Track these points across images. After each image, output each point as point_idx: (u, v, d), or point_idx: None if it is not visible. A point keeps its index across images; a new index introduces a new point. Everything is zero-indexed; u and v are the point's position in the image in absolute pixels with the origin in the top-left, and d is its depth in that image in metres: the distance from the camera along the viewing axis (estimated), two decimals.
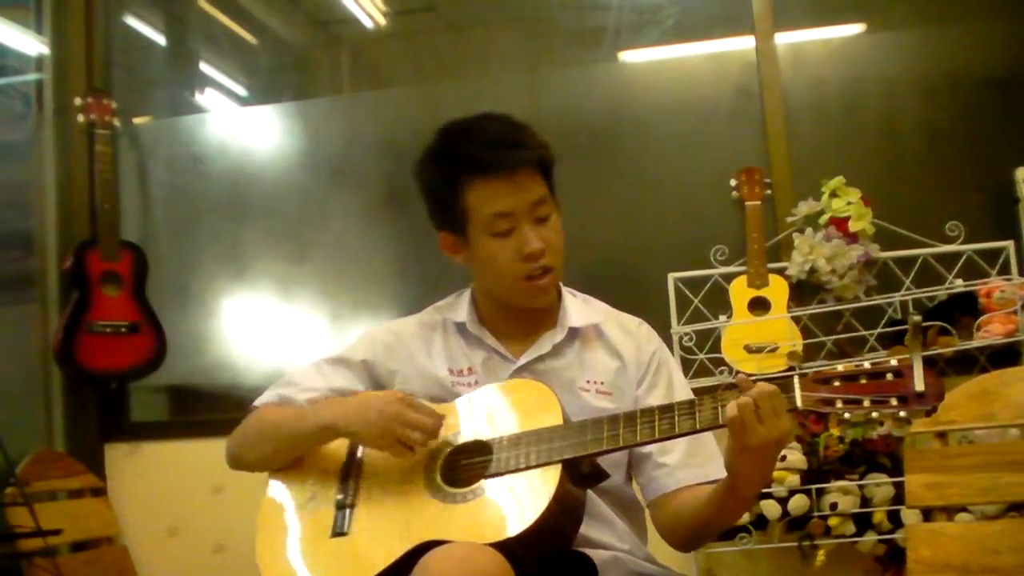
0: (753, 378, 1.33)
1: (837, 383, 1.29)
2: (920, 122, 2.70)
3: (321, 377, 1.67)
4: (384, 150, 3.00)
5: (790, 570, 2.42)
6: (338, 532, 1.48)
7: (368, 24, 3.21)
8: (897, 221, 2.49)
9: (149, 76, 3.32)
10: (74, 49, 3.06)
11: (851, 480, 2.29)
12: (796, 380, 1.31)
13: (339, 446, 1.58)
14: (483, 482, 1.42)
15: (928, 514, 1.73)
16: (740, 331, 2.45)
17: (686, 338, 2.48)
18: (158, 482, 2.87)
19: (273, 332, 3.01)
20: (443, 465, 1.48)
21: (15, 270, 3.08)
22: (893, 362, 1.27)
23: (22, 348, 2.99)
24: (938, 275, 2.45)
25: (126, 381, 2.97)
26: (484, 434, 1.48)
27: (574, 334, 1.63)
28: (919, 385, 1.24)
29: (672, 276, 2.53)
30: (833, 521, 2.28)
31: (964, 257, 2.43)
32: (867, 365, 1.29)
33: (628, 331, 1.66)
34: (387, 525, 1.44)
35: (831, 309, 2.47)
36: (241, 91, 3.33)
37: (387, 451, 1.48)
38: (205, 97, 3.30)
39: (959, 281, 2.42)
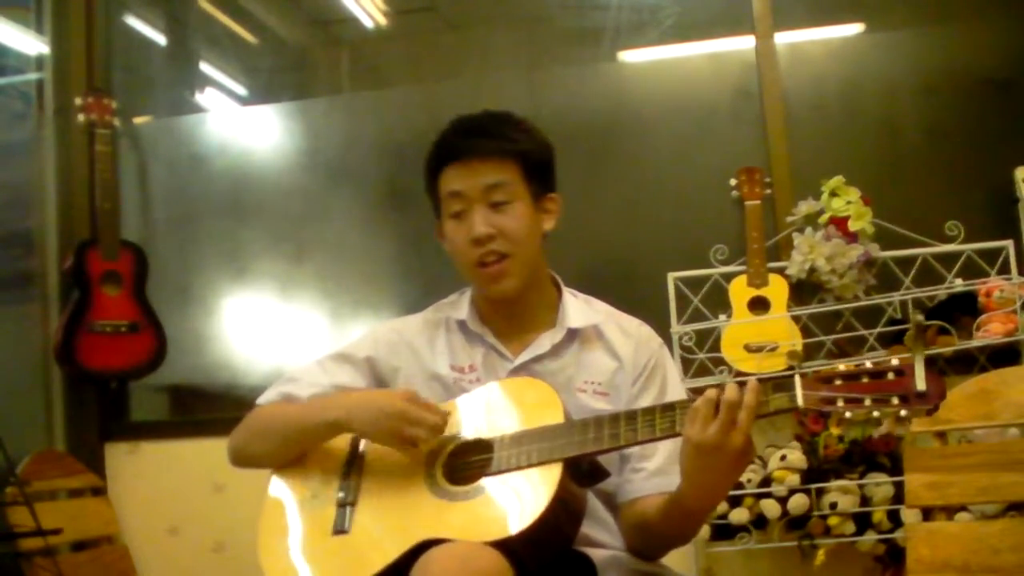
0: (755, 378, 1.33)
1: (838, 382, 1.29)
2: (920, 122, 2.71)
3: (324, 374, 1.67)
4: (384, 150, 3.00)
5: (790, 569, 2.42)
6: (339, 530, 1.48)
7: (368, 24, 3.21)
8: (897, 221, 2.49)
9: (149, 76, 3.32)
10: (74, 49, 3.07)
11: (851, 480, 2.29)
12: (797, 379, 1.31)
13: (341, 444, 1.58)
14: (484, 480, 1.42)
15: (928, 514, 1.73)
16: (740, 330, 2.45)
17: (686, 337, 2.48)
18: (158, 482, 2.87)
19: (273, 332, 3.02)
20: (444, 463, 1.48)
21: (15, 270, 3.08)
22: (894, 361, 1.27)
23: (22, 348, 2.99)
24: (938, 275, 2.45)
25: (126, 381, 2.98)
26: (485, 432, 1.48)
27: (573, 334, 1.63)
28: (921, 384, 1.24)
29: (672, 275, 2.53)
30: (833, 520, 2.29)
31: (964, 257, 2.43)
32: (868, 364, 1.29)
33: (628, 332, 1.66)
34: (388, 523, 1.44)
35: (831, 309, 2.47)
36: (241, 91, 3.33)
37: (392, 447, 1.49)
38: (205, 97, 3.30)
39: (959, 281, 2.41)
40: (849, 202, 2.47)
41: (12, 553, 2.28)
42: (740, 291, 2.50)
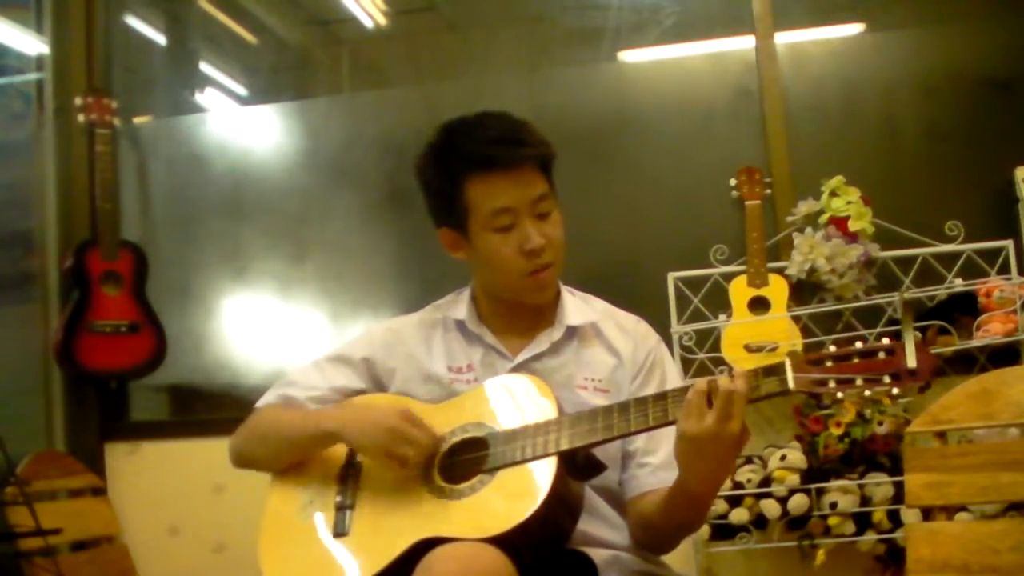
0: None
1: (829, 364, 1.29)
2: (920, 122, 2.70)
3: (321, 376, 1.68)
4: (384, 150, 3.00)
5: (790, 569, 2.42)
6: (339, 533, 1.49)
7: (368, 24, 3.21)
8: (897, 220, 2.49)
9: (149, 76, 3.32)
10: (74, 49, 3.07)
11: (851, 479, 2.29)
12: (788, 362, 1.31)
13: (339, 448, 1.58)
14: (481, 477, 1.43)
15: (928, 513, 1.73)
16: (740, 330, 2.45)
17: (686, 337, 2.48)
18: (158, 482, 2.87)
19: (273, 332, 3.02)
20: (441, 462, 1.49)
21: (15, 270, 3.08)
22: (885, 340, 1.27)
23: (22, 348, 2.99)
24: (938, 275, 2.45)
25: (126, 381, 2.98)
26: (481, 430, 1.49)
27: (572, 332, 1.63)
28: (911, 362, 1.24)
29: (672, 275, 2.53)
30: (833, 520, 2.28)
31: (964, 257, 2.43)
32: (859, 345, 1.29)
33: (626, 329, 1.66)
34: (387, 524, 1.45)
35: (831, 308, 2.47)
36: (241, 91, 3.33)
37: (381, 462, 1.49)
38: (205, 97, 3.30)
39: (959, 281, 2.41)
40: (849, 202, 2.47)
41: (12, 553, 2.27)
42: (740, 291, 2.50)
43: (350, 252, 2.99)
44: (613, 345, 1.63)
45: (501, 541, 1.30)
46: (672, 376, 1.65)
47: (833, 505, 2.27)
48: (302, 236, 3.02)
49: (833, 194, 2.49)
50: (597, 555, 1.48)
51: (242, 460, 1.67)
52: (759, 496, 2.31)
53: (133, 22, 3.26)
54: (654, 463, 1.54)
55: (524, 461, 1.41)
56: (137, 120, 3.19)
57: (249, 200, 3.07)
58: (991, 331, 2.31)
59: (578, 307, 1.66)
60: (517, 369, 1.59)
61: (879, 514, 2.27)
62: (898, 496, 2.24)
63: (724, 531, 2.35)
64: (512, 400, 1.51)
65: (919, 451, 1.77)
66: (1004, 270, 2.39)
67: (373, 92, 3.23)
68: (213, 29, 3.31)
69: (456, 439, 1.50)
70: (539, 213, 1.55)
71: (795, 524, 2.33)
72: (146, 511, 2.85)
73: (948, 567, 1.66)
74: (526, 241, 1.53)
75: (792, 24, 2.75)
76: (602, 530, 1.54)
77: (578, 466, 1.43)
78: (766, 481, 2.32)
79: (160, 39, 3.35)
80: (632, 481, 1.56)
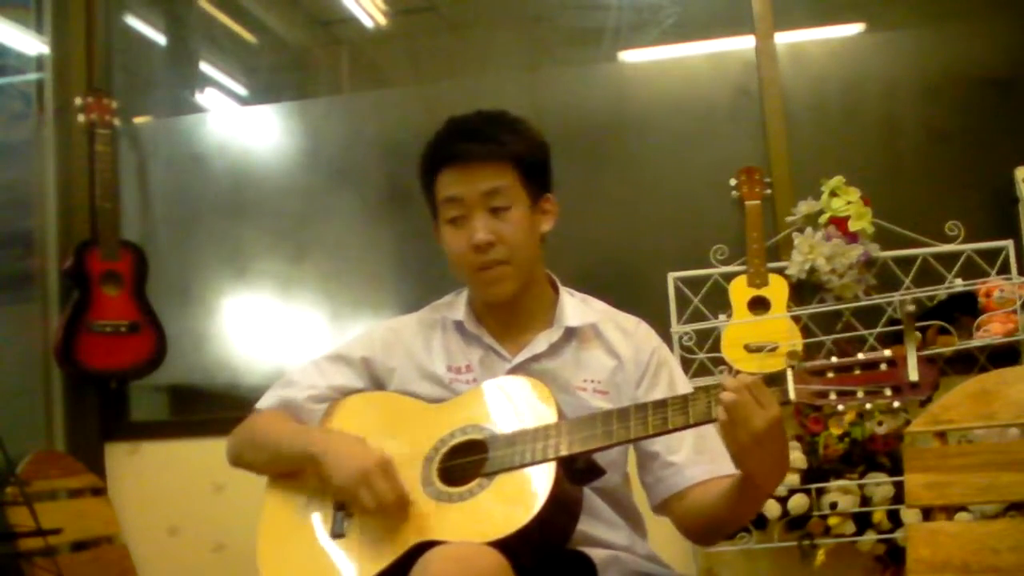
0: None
1: (831, 375, 1.29)
2: (920, 122, 2.70)
3: (321, 375, 1.68)
4: (384, 150, 3.00)
5: (790, 569, 2.42)
6: (337, 534, 1.49)
7: (368, 24, 3.21)
8: (897, 221, 2.49)
9: (149, 76, 3.32)
10: (74, 49, 3.07)
11: (851, 479, 2.29)
12: (789, 373, 1.31)
13: None
14: (480, 480, 1.42)
15: (928, 513, 1.73)
16: (740, 330, 2.45)
17: (686, 337, 2.48)
18: (158, 482, 2.87)
19: (273, 332, 3.01)
20: (440, 464, 1.48)
21: (15, 270, 3.08)
22: (887, 352, 1.27)
23: (22, 348, 2.99)
24: (938, 275, 2.45)
25: (126, 381, 2.97)
26: (480, 432, 1.49)
27: (571, 333, 1.63)
28: (913, 375, 1.24)
29: (672, 275, 2.53)
30: (833, 520, 2.29)
31: (964, 257, 2.43)
32: (860, 356, 1.29)
33: (626, 331, 1.66)
34: (385, 526, 1.44)
35: (831, 308, 2.47)
36: (241, 91, 3.33)
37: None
38: (205, 97, 3.30)
39: (959, 281, 2.42)
40: (849, 202, 2.47)
41: (12, 553, 2.27)
42: (740, 291, 2.50)
43: (350, 252, 2.99)
44: (613, 346, 1.63)
45: (500, 546, 1.30)
46: (679, 376, 1.65)
47: (833, 505, 2.27)
48: (302, 236, 3.02)
49: (833, 194, 2.49)
50: (597, 555, 1.48)
51: (238, 463, 1.68)
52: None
53: (133, 22, 3.26)
54: (680, 461, 1.54)
55: (523, 466, 1.40)
56: (137, 120, 3.19)
57: (249, 200, 3.07)
58: (991, 331, 2.31)
59: (577, 308, 1.65)
60: (515, 370, 1.59)
61: (879, 514, 2.27)
62: (898, 496, 2.24)
63: None
64: (511, 402, 1.50)
65: (919, 451, 1.77)
66: (1004, 270, 2.39)
67: (373, 92, 3.23)
68: (213, 29, 3.31)
69: (455, 441, 1.50)
70: (492, 207, 1.55)
71: (795, 524, 2.33)
72: (146, 511, 2.85)
73: (948, 567, 1.66)
74: (471, 235, 1.54)
75: (792, 24, 2.75)
76: (601, 530, 1.54)
77: (577, 471, 1.43)
78: None
79: (160, 39, 3.35)
80: (662, 484, 1.56)
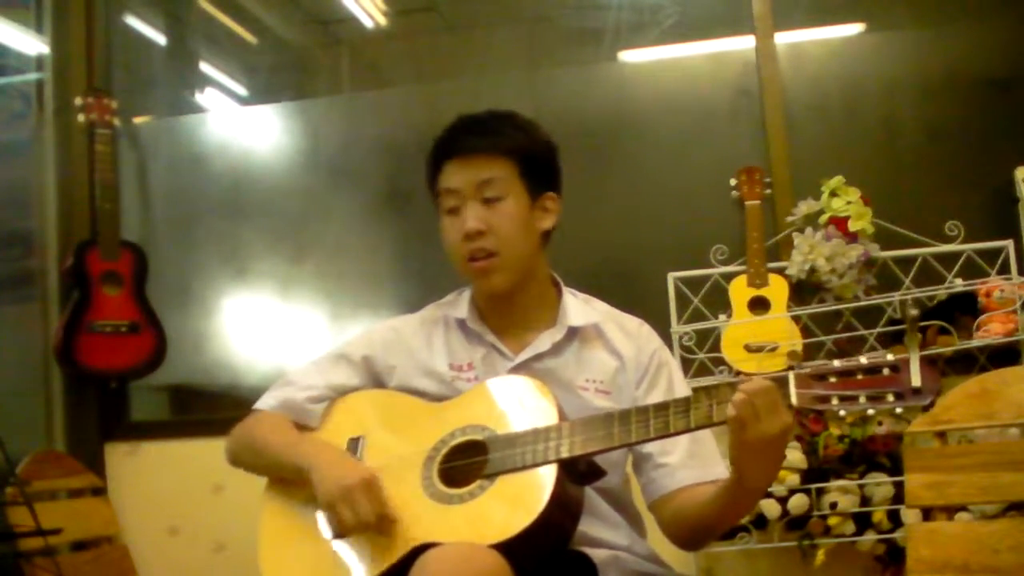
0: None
1: (833, 379, 1.28)
2: (920, 122, 2.70)
3: (320, 375, 1.68)
4: (384, 150, 3.00)
5: (790, 569, 2.42)
6: (337, 535, 1.48)
7: (368, 24, 3.21)
8: (897, 221, 2.49)
9: (149, 76, 3.32)
10: (74, 49, 3.06)
11: (851, 479, 2.29)
12: (791, 377, 1.30)
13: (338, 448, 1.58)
14: (481, 482, 1.42)
15: (928, 513, 1.73)
16: (740, 330, 2.45)
17: (686, 337, 2.48)
18: (158, 482, 2.87)
19: (273, 332, 3.01)
20: (441, 465, 1.48)
21: (15, 270, 3.08)
22: (889, 357, 1.27)
23: (22, 348, 2.99)
24: (938, 275, 2.45)
25: (126, 381, 2.97)
26: (481, 432, 1.48)
27: (573, 333, 1.63)
28: (916, 380, 1.23)
29: (672, 276, 2.53)
30: (833, 520, 2.28)
31: (964, 256, 2.43)
32: (863, 361, 1.28)
33: (628, 331, 1.66)
34: (385, 527, 1.43)
35: (831, 308, 2.47)
36: (241, 91, 3.33)
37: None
38: (205, 97, 3.30)
39: (959, 281, 2.41)
40: (849, 202, 2.47)
41: (12, 553, 2.27)
42: (740, 291, 2.50)
43: (350, 252, 2.99)
44: (615, 347, 1.63)
45: (501, 548, 1.29)
46: (678, 378, 1.65)
47: (833, 505, 2.27)
48: (302, 236, 3.02)
49: (833, 194, 2.49)
50: (597, 555, 1.48)
51: (236, 464, 1.69)
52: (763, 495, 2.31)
53: (133, 22, 3.26)
54: (672, 463, 1.54)
55: (524, 468, 1.40)
56: (137, 120, 3.19)
57: (249, 200, 3.07)
58: (991, 331, 2.31)
59: (580, 308, 1.65)
60: (518, 369, 1.59)
61: (879, 514, 2.27)
62: (898, 496, 2.23)
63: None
64: (513, 402, 1.50)
65: (919, 451, 1.77)
66: (1004, 270, 2.39)
67: (373, 92, 3.23)
68: (213, 29, 3.31)
69: (456, 441, 1.50)
70: (485, 198, 1.56)
71: (795, 524, 2.33)
72: (146, 511, 2.85)
73: (948, 567, 1.66)
74: (462, 224, 1.56)
75: (792, 24, 2.75)
76: (602, 530, 1.54)
77: (578, 472, 1.42)
78: None
79: (160, 39, 3.35)
80: (652, 484, 1.56)
